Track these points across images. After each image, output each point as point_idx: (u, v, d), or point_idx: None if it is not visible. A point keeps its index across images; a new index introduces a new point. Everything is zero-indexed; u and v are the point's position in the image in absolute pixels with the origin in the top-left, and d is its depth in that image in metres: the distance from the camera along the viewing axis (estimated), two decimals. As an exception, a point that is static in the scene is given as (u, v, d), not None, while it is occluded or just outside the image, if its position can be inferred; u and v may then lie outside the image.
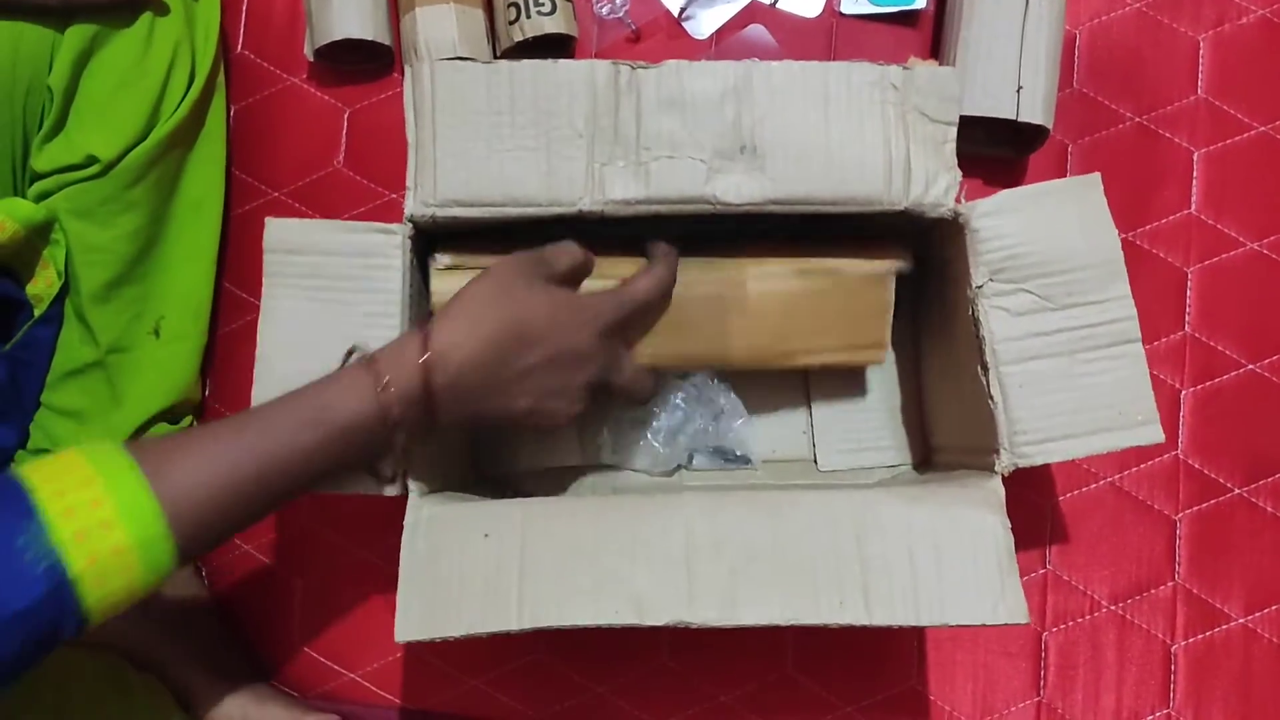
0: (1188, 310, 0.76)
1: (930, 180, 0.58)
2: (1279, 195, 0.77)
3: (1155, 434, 0.57)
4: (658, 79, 0.58)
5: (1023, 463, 0.56)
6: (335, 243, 0.58)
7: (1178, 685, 0.72)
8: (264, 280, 0.58)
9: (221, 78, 0.74)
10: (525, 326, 0.54)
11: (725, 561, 0.53)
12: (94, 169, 0.65)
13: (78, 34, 0.64)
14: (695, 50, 0.79)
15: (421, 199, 0.58)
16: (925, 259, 0.65)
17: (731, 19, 0.79)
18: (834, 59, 0.79)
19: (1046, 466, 0.74)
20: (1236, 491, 0.74)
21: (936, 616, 0.52)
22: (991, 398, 0.57)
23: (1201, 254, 0.77)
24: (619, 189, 0.57)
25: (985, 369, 0.58)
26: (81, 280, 0.68)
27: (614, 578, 0.52)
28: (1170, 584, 0.73)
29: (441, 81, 0.57)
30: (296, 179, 0.78)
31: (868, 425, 0.72)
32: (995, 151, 0.76)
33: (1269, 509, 0.74)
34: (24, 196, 0.66)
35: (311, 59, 0.77)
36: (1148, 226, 0.77)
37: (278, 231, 0.58)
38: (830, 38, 0.79)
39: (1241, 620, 0.73)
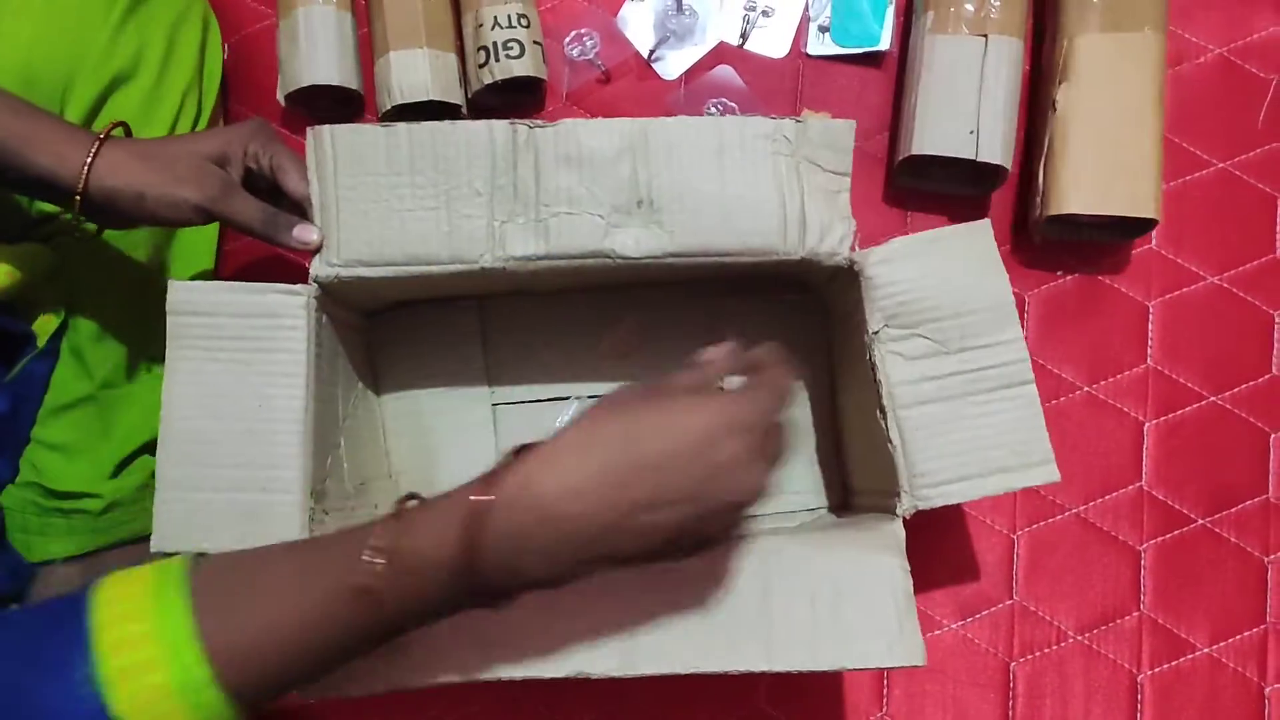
0: (1150, 343, 0.77)
1: (825, 230, 0.59)
2: (1238, 230, 0.79)
3: (1051, 474, 0.58)
4: (555, 137, 0.59)
5: (923, 505, 0.57)
6: (240, 304, 0.58)
7: (1144, 715, 0.73)
8: (168, 343, 0.57)
9: (222, 123, 0.76)
10: (662, 447, 0.44)
11: (628, 609, 0.53)
12: None
13: (90, 82, 0.66)
14: (665, 90, 0.81)
15: (326, 259, 0.59)
16: (833, 307, 0.67)
17: (700, 60, 0.81)
18: (800, 99, 0.81)
19: (1012, 498, 0.75)
20: (1200, 522, 0.75)
21: (833, 660, 0.53)
22: (890, 441, 0.58)
23: (1163, 288, 0.78)
24: (519, 246, 0.59)
25: (884, 412, 0.59)
26: (82, 319, 0.69)
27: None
28: (1136, 614, 0.74)
29: (341, 144, 0.59)
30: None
31: (787, 470, 0.69)
32: (957, 190, 0.78)
33: (1232, 539, 0.75)
34: (35, 239, 0.68)
35: (284, 104, 0.78)
36: (1109, 260, 0.78)
37: (181, 294, 0.58)
38: (797, 78, 0.81)
39: (1207, 650, 0.74)
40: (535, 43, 0.77)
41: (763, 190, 0.59)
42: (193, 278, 0.75)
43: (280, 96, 0.78)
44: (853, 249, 0.60)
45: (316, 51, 0.76)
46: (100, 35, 0.67)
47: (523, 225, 0.59)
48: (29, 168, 0.56)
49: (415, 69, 0.75)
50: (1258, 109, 0.80)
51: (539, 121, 0.59)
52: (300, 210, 0.61)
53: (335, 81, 0.76)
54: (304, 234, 0.60)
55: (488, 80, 0.76)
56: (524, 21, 0.76)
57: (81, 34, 0.66)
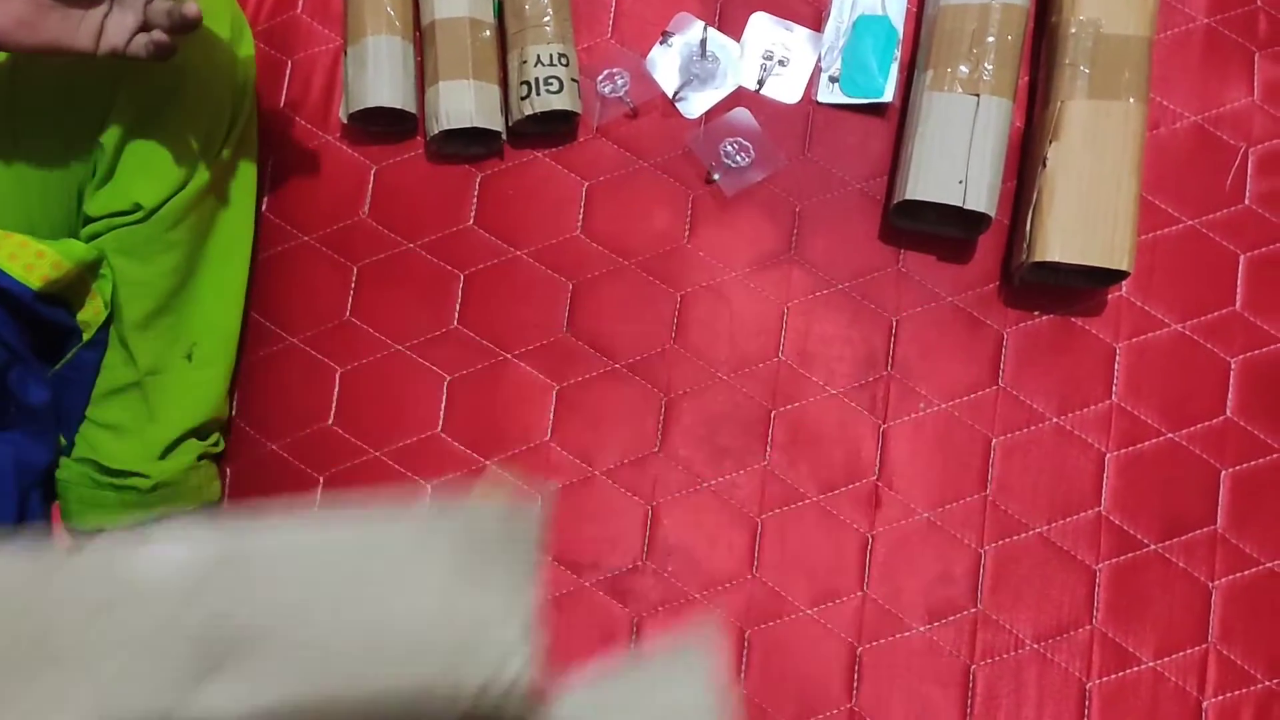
0: (1115, 382, 0.85)
1: (502, 659, 0.42)
2: (1202, 283, 0.86)
3: None
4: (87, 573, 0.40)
5: None
6: None
7: (1091, 719, 0.80)
8: None
9: (254, 132, 0.83)
10: None
11: None
12: (138, 214, 0.74)
13: (129, 102, 0.73)
14: (685, 128, 0.89)
15: None
16: None
17: (719, 102, 0.89)
18: (810, 141, 0.89)
19: (981, 516, 0.82)
20: (1152, 547, 0.82)
21: None
22: None
23: (1130, 332, 0.85)
24: None
25: None
26: (125, 310, 0.76)
27: None
28: (1088, 627, 0.81)
29: None
30: (325, 226, 0.88)
31: None
32: (947, 231, 0.86)
33: (1180, 564, 0.82)
34: (78, 237, 0.76)
35: (345, 121, 0.87)
36: (1083, 304, 0.86)
37: None
38: (807, 123, 0.89)
39: (1151, 664, 0.81)
40: (573, 80, 0.85)
41: (409, 611, 0.42)
42: (225, 277, 0.81)
43: (343, 115, 0.87)
44: (530, 692, 0.42)
45: (381, 76, 0.85)
46: None
47: None
48: None
49: (462, 98, 0.84)
50: (1226, 173, 0.87)
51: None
52: None
53: (397, 104, 0.85)
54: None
55: (529, 111, 0.84)
56: (564, 60, 0.85)
57: None
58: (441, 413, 0.85)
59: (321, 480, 0.84)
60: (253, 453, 0.86)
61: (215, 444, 0.83)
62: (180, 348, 0.79)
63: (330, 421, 0.85)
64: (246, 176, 0.83)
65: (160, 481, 0.77)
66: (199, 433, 0.80)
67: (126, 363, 0.77)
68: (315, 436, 0.85)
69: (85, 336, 0.76)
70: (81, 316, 0.77)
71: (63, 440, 0.79)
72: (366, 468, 0.84)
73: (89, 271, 0.75)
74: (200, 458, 0.80)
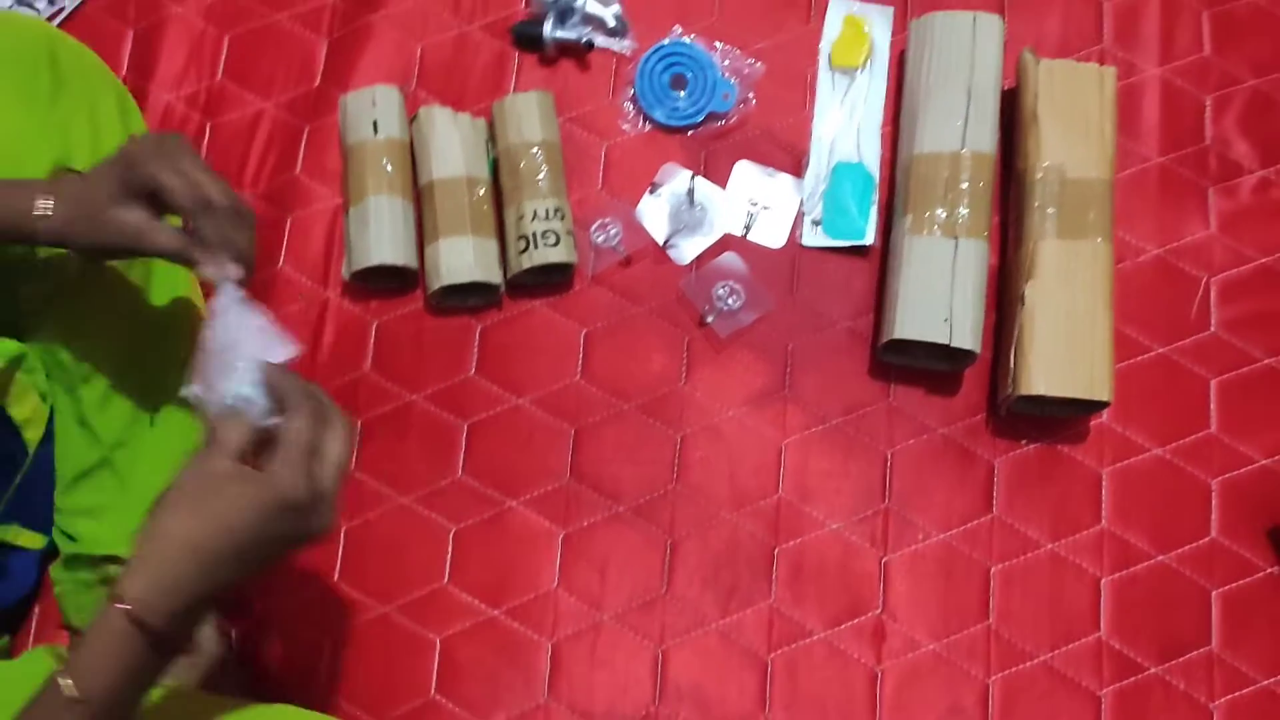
0: (1104, 506, 0.88)
1: None
2: (1178, 408, 0.89)
3: None
4: None
5: None
6: None
7: None
8: None
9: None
10: (221, 541, 0.54)
11: None
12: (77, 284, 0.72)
13: (36, 172, 0.70)
14: (678, 274, 0.92)
15: None
16: None
17: (709, 247, 0.92)
18: (797, 282, 0.92)
19: (986, 646, 0.84)
20: (1152, 670, 0.84)
21: None
22: None
23: (1114, 458, 0.89)
24: None
25: None
26: (82, 390, 0.75)
27: None
28: (1097, 755, 0.82)
29: None
30: (328, 382, 0.89)
31: None
32: (934, 365, 0.89)
33: (1181, 686, 0.83)
34: (14, 328, 0.74)
35: (348, 279, 0.89)
36: (1067, 432, 0.89)
37: None
38: (793, 266, 0.93)
39: (1161, 789, 0.82)
40: (568, 233, 0.88)
41: None
42: (176, 333, 0.78)
43: (346, 273, 0.89)
44: None
45: (383, 234, 0.87)
46: (30, 125, 0.70)
47: None
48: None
49: (461, 253, 0.87)
50: (1191, 302, 0.92)
51: None
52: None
53: (399, 261, 0.87)
54: (213, 270, 0.62)
55: (527, 265, 0.87)
56: (559, 214, 0.88)
57: (16, 126, 0.70)
58: (448, 564, 0.85)
59: (328, 641, 0.84)
60: (259, 616, 0.85)
61: None
62: (144, 415, 0.78)
63: (336, 578, 0.85)
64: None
65: None
66: None
67: (90, 443, 0.76)
68: (320, 596, 0.84)
69: (34, 434, 0.75)
70: (20, 415, 0.75)
71: (42, 540, 0.78)
72: (374, 624, 0.84)
73: (15, 366, 0.73)
74: None
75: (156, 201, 0.62)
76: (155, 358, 0.80)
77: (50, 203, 0.62)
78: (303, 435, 0.56)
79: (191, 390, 0.60)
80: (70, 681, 0.52)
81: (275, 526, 0.55)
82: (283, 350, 0.60)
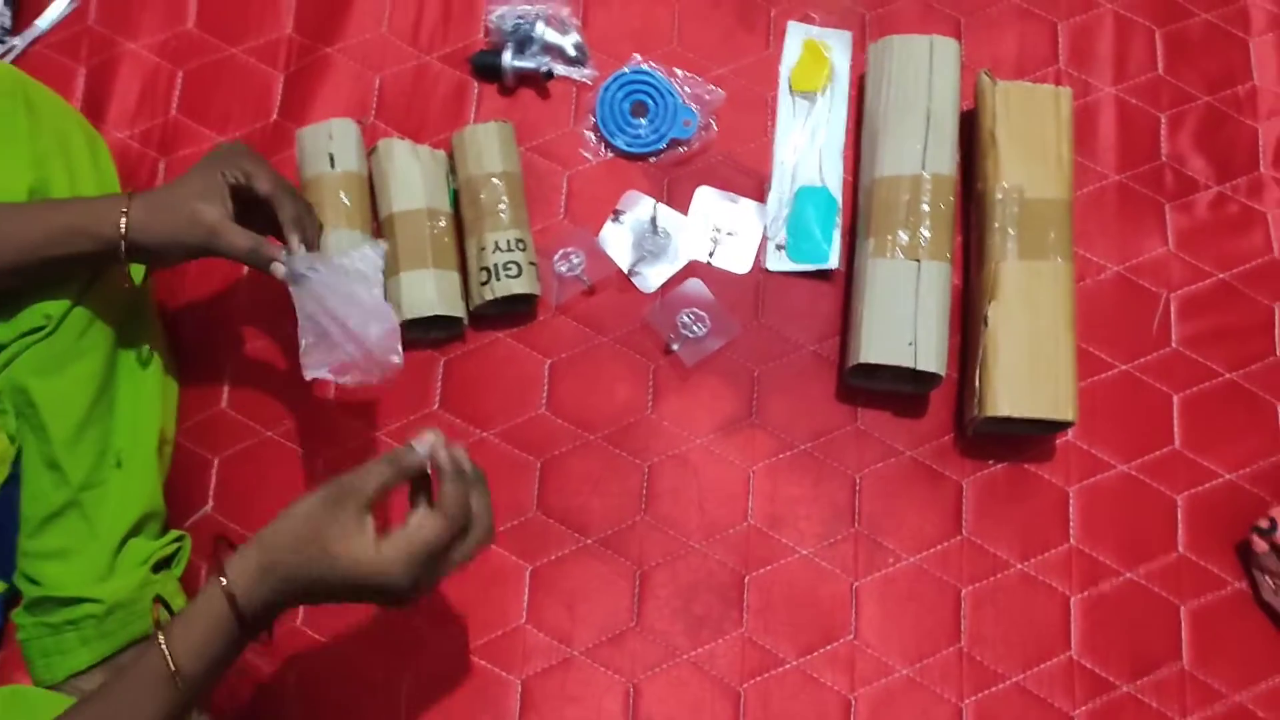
0: (1071, 525, 0.88)
1: None
2: (1142, 424, 0.90)
3: None
4: None
5: None
6: None
7: None
8: None
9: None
10: (314, 582, 0.61)
11: None
12: (48, 327, 0.74)
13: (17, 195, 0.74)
14: (643, 302, 0.92)
15: None
16: None
17: (673, 274, 0.92)
18: (762, 308, 0.92)
19: (959, 668, 0.84)
20: (1124, 688, 0.84)
21: None
22: None
23: (1080, 475, 0.89)
24: None
25: None
26: (51, 430, 0.75)
27: None
28: (1072, 775, 0.82)
29: None
30: (289, 419, 0.87)
31: None
32: (901, 388, 0.89)
33: (1153, 704, 0.83)
34: None
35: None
36: (1034, 450, 0.89)
37: None
38: (758, 290, 0.93)
39: (1136, 808, 0.82)
40: (531, 263, 0.88)
41: None
42: (141, 376, 0.80)
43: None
44: None
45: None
46: (12, 161, 0.75)
47: None
48: (86, 242, 0.70)
49: (423, 287, 0.86)
50: (1152, 319, 0.92)
51: None
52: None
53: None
54: (276, 270, 0.71)
55: (490, 297, 0.86)
56: (521, 245, 0.88)
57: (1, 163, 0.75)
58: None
59: (292, 677, 0.82)
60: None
61: (170, 546, 0.80)
62: (110, 456, 0.78)
63: (299, 622, 0.83)
64: (139, 271, 0.82)
65: (115, 604, 0.75)
66: (137, 530, 0.78)
67: (58, 485, 0.75)
68: (284, 634, 0.83)
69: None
70: None
71: (3, 586, 0.77)
72: (338, 663, 0.83)
73: None
74: (156, 568, 0.79)
75: (234, 202, 0.71)
76: (124, 398, 0.80)
77: (128, 202, 0.70)
78: (433, 540, 0.62)
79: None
80: (171, 653, 0.59)
81: (366, 595, 0.62)
82: (383, 321, 0.70)
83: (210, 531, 0.85)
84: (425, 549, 0.61)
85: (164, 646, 0.59)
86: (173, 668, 0.59)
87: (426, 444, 0.64)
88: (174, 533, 0.83)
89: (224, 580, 0.60)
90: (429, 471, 0.65)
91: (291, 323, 0.88)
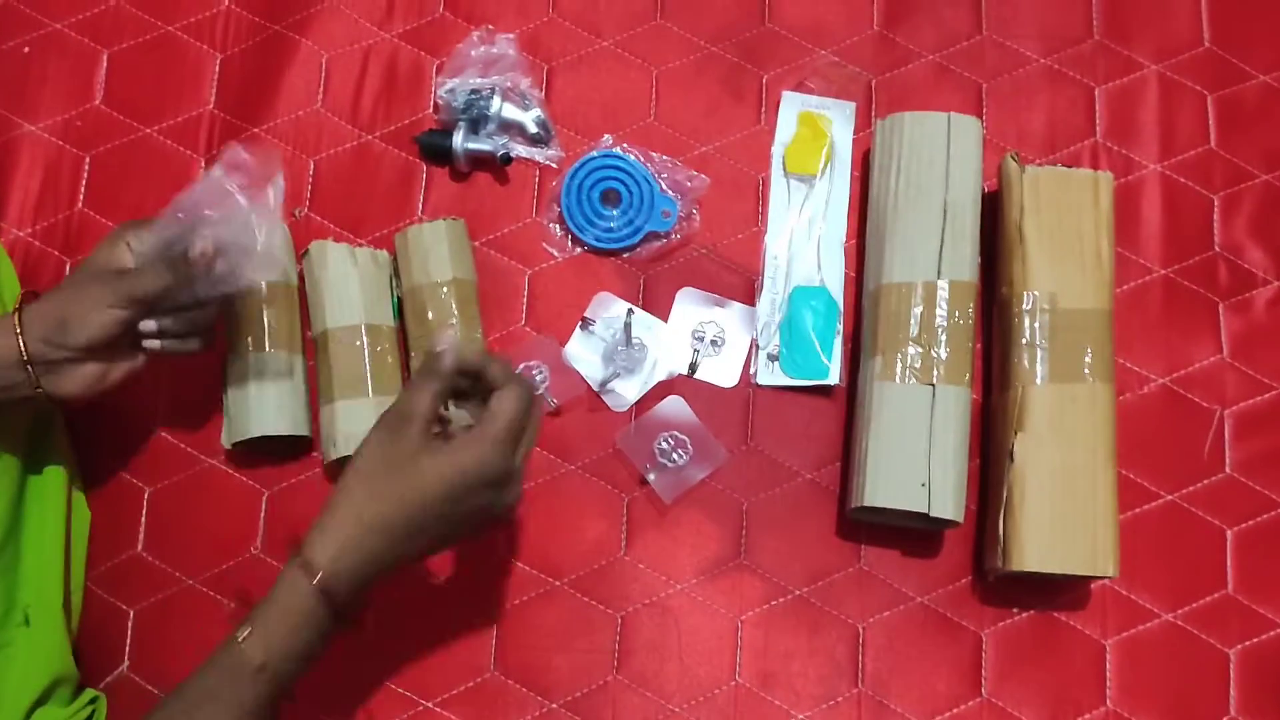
0: (1108, 684, 0.76)
1: None
2: (1190, 565, 0.78)
3: None
4: None
5: None
6: None
7: None
8: None
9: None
10: (411, 516, 0.58)
11: None
12: None
13: None
14: (616, 423, 0.80)
15: None
16: None
17: (650, 390, 0.80)
18: (753, 429, 0.80)
19: None
20: None
21: None
22: None
23: (1119, 626, 0.77)
24: None
25: None
26: None
27: None
28: None
29: None
30: (212, 566, 0.77)
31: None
32: (911, 524, 0.77)
33: None
34: None
35: (228, 448, 0.76)
36: (1064, 597, 0.78)
37: None
38: (748, 408, 0.81)
39: None
40: (484, 387, 0.76)
41: None
42: (46, 528, 0.73)
43: (226, 442, 0.76)
44: None
45: (265, 399, 0.75)
46: None
47: None
48: None
49: (360, 419, 0.74)
50: (1203, 440, 0.80)
51: None
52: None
53: (286, 431, 0.75)
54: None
55: (436, 430, 0.75)
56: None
57: None
58: (355, 779, 0.74)
59: None
60: None
61: (84, 710, 0.71)
62: (17, 613, 0.70)
63: None
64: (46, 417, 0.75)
65: None
66: (45, 697, 0.69)
67: None
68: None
69: None
70: None
71: None
72: None
73: None
74: None
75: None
76: (31, 543, 0.72)
77: (18, 318, 0.63)
78: (516, 415, 0.59)
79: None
80: (253, 647, 0.57)
81: (470, 499, 0.59)
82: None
83: (128, 697, 0.74)
84: (509, 427, 0.59)
85: (241, 644, 0.57)
86: (258, 663, 0.57)
87: (449, 339, 0.63)
88: (88, 693, 0.73)
89: (302, 562, 0.57)
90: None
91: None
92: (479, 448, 0.58)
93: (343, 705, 0.75)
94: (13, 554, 0.71)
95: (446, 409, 0.62)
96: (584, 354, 0.81)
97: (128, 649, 0.76)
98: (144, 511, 0.78)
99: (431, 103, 0.85)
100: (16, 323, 0.63)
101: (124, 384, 0.67)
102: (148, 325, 0.66)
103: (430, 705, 0.75)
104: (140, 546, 0.77)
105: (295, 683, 0.60)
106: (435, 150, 0.83)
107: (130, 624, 0.77)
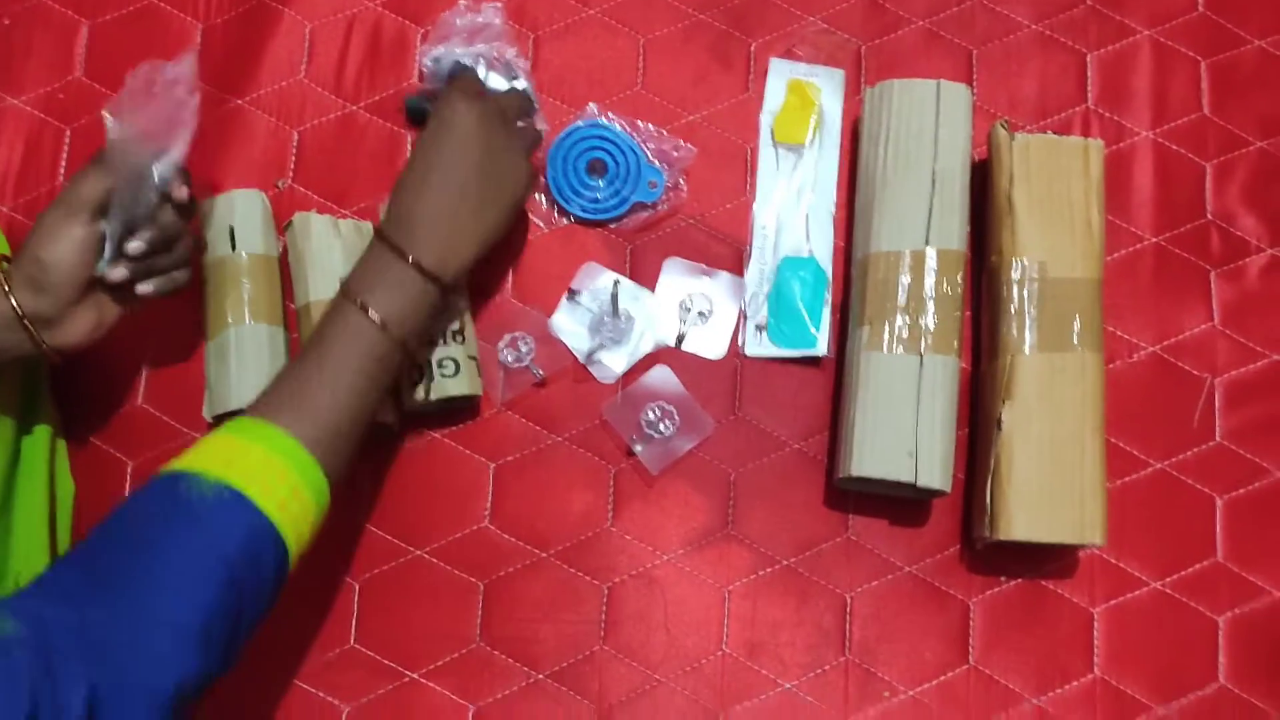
0: (1096, 652, 0.76)
1: None
2: (1179, 533, 0.78)
3: None
4: None
5: None
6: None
7: None
8: None
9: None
10: (451, 175, 0.67)
11: None
12: None
13: None
14: (602, 394, 0.79)
15: None
16: None
17: (637, 362, 0.80)
18: (740, 399, 0.80)
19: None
20: (1154, 846, 0.73)
21: None
22: None
23: (1107, 594, 0.77)
24: None
25: None
26: None
27: None
28: None
29: None
30: (196, 538, 0.76)
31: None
32: (899, 493, 0.77)
33: None
34: None
35: (210, 420, 0.76)
36: (1052, 565, 0.77)
37: None
38: (735, 379, 0.80)
39: None
40: (471, 357, 0.76)
41: None
42: (34, 495, 0.73)
43: (208, 415, 0.76)
44: None
45: (246, 372, 0.74)
46: None
47: None
48: None
49: (344, 390, 0.74)
50: (1193, 408, 0.80)
51: None
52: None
53: (263, 403, 0.74)
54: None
55: (420, 399, 0.74)
56: (458, 338, 0.75)
57: None
58: (341, 750, 0.74)
59: None
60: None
61: None
62: (8, 581, 0.70)
63: None
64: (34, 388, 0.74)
65: None
66: None
67: None
68: None
69: None
70: None
71: None
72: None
73: None
74: None
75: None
76: (23, 510, 0.72)
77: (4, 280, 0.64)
78: (464, 80, 0.71)
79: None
80: (374, 309, 0.63)
81: (487, 137, 0.68)
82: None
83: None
84: (460, 83, 0.70)
85: (363, 307, 0.63)
86: (378, 321, 0.63)
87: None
88: None
89: (405, 256, 0.65)
90: None
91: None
92: (446, 95, 0.69)
93: (328, 677, 0.75)
94: (6, 521, 0.70)
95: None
96: (570, 325, 0.80)
97: (115, 621, 0.76)
98: (127, 485, 0.78)
99: (416, 72, 0.84)
100: (3, 282, 0.63)
101: (119, 324, 0.69)
102: (118, 272, 0.65)
103: (416, 676, 0.75)
104: (126, 519, 0.77)
105: (414, 354, 0.69)
106: (421, 114, 0.82)
107: (117, 597, 0.77)
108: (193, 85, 0.66)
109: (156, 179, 0.65)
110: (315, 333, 0.64)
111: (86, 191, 0.64)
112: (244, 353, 0.74)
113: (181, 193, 0.67)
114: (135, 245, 0.65)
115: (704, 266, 0.81)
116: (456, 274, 0.67)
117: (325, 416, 0.61)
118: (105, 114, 0.65)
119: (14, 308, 0.63)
